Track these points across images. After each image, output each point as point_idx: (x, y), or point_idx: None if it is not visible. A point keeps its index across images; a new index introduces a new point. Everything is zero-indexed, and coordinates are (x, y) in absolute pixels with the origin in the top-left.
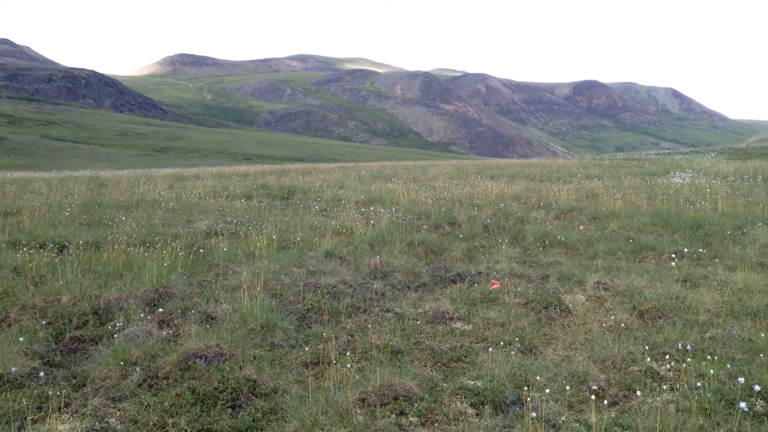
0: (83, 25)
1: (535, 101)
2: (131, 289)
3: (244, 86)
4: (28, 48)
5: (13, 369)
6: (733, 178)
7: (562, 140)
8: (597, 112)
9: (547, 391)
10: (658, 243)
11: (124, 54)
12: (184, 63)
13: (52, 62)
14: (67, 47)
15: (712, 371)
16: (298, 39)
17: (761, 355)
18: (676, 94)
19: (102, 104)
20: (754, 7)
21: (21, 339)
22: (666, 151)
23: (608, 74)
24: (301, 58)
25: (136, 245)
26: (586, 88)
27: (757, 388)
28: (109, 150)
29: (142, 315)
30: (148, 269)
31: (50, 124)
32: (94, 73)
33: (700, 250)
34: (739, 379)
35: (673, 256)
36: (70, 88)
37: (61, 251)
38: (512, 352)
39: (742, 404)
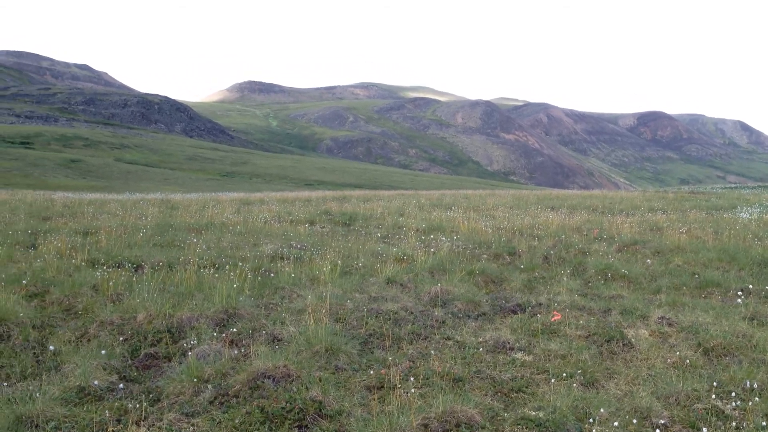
0: (158, 52)
1: (597, 131)
2: (202, 309)
3: (308, 113)
4: (106, 74)
5: (95, 382)
6: None
7: (624, 171)
8: (661, 143)
9: (611, 425)
10: (724, 279)
11: (196, 81)
12: (252, 90)
13: (128, 88)
14: (142, 74)
15: None
16: (362, 67)
17: None
18: (744, 127)
19: (173, 129)
20: None
21: (102, 351)
22: (732, 185)
23: (674, 105)
24: (364, 86)
25: (206, 267)
26: (651, 119)
27: None
28: (178, 174)
29: (212, 334)
30: (218, 290)
31: (124, 147)
32: (167, 99)
33: (765, 287)
34: None
35: (740, 293)
36: (144, 113)
37: (136, 270)
38: (574, 385)
39: None
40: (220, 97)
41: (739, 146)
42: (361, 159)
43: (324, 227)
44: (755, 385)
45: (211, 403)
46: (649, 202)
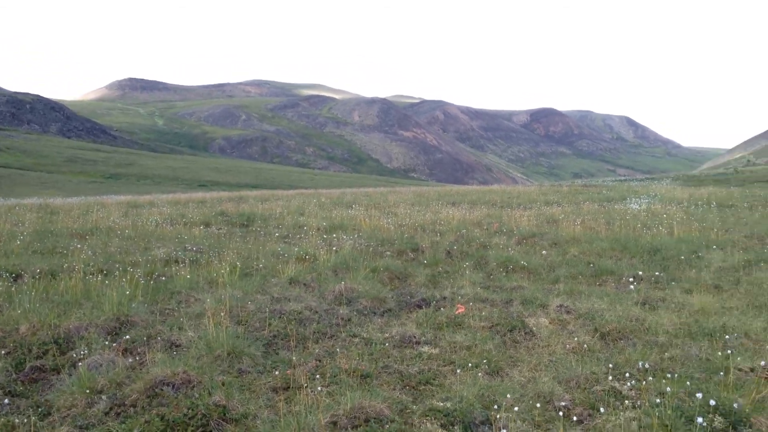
0: (28, 49)
1: (493, 128)
2: (91, 317)
3: (197, 111)
4: None
5: None
6: (687, 204)
7: (521, 167)
8: (554, 139)
9: (515, 410)
10: (617, 267)
11: (71, 79)
12: (134, 88)
13: None
14: (11, 72)
15: (670, 389)
16: (254, 64)
17: (719, 373)
18: (630, 122)
19: (48, 129)
20: (704, 39)
21: None
22: (622, 178)
23: (565, 102)
24: (257, 84)
25: (93, 273)
26: (544, 116)
27: (712, 402)
28: (57, 177)
29: (104, 344)
30: (107, 298)
31: None
32: (39, 98)
33: (658, 273)
34: (698, 395)
35: (632, 279)
36: (14, 113)
37: (15, 280)
38: (479, 374)
39: (700, 419)
40: (98, 95)
41: (627, 141)
42: (256, 158)
43: (221, 229)
44: (648, 366)
45: (106, 414)
46: (545, 195)
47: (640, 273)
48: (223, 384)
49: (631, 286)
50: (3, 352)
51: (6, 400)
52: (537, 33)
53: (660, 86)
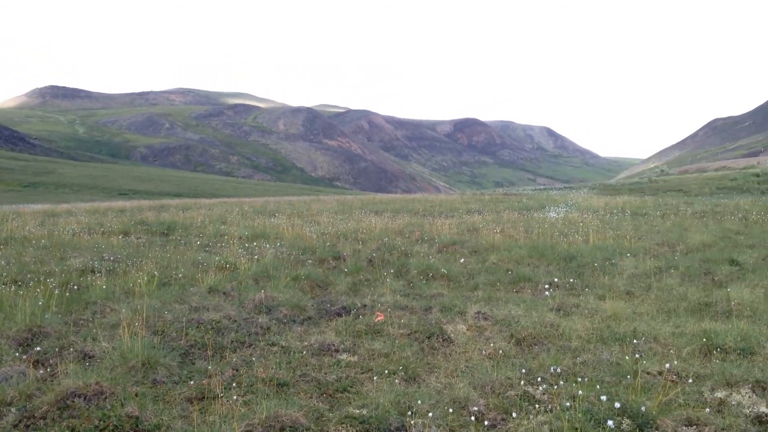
0: None
1: (417, 138)
2: (2, 329)
3: (119, 120)
4: None
5: None
6: (603, 212)
7: (444, 176)
8: (477, 148)
9: (430, 416)
10: (535, 274)
11: None
12: (55, 95)
13: None
14: None
15: (581, 392)
16: (178, 73)
17: (628, 376)
18: (550, 133)
19: None
20: (622, 52)
21: None
22: (542, 187)
23: (487, 113)
24: (181, 92)
25: (6, 284)
26: (466, 126)
27: (617, 405)
28: None
29: (15, 355)
30: (20, 308)
31: None
32: None
33: (573, 280)
34: (603, 398)
35: (547, 286)
36: None
37: None
38: (396, 381)
39: (610, 422)
40: (17, 103)
41: (547, 150)
42: (179, 167)
43: (140, 238)
44: (560, 371)
45: (15, 426)
46: (467, 204)
47: (556, 280)
48: (136, 395)
49: (547, 293)
50: None
51: None
52: (461, 44)
53: (579, 97)
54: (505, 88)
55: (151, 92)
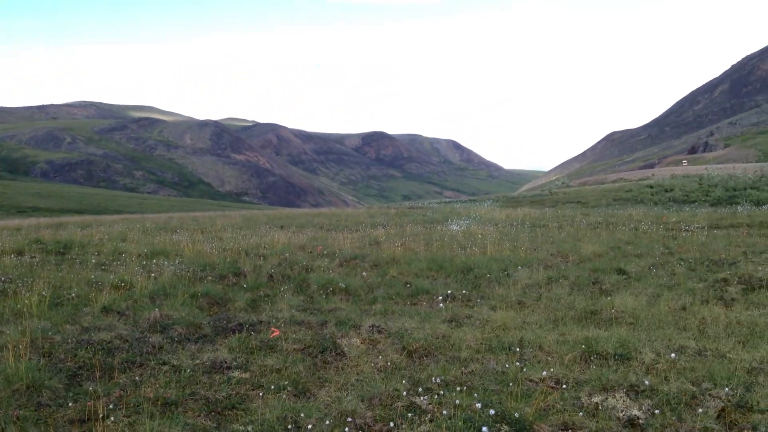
0: None
1: (326, 151)
2: None
3: (18, 134)
4: None
5: None
6: (503, 224)
7: (352, 189)
8: (385, 162)
9: (315, 430)
10: (433, 286)
11: None
12: None
13: None
14: None
15: (458, 401)
16: (79, 86)
17: (510, 384)
18: (456, 146)
19: None
20: (526, 66)
21: None
22: (447, 200)
23: (395, 126)
24: (83, 105)
25: None
26: (375, 139)
27: (492, 412)
28: None
29: None
30: None
31: None
32: None
33: (468, 292)
34: (477, 405)
35: (440, 298)
36: None
37: None
38: (284, 397)
39: (484, 429)
40: None
41: (453, 164)
42: (81, 183)
43: (34, 257)
44: (448, 380)
45: None
46: (373, 218)
47: (450, 292)
48: (17, 419)
49: (441, 305)
50: None
51: None
52: (370, 57)
53: (485, 111)
54: (412, 101)
55: (52, 105)
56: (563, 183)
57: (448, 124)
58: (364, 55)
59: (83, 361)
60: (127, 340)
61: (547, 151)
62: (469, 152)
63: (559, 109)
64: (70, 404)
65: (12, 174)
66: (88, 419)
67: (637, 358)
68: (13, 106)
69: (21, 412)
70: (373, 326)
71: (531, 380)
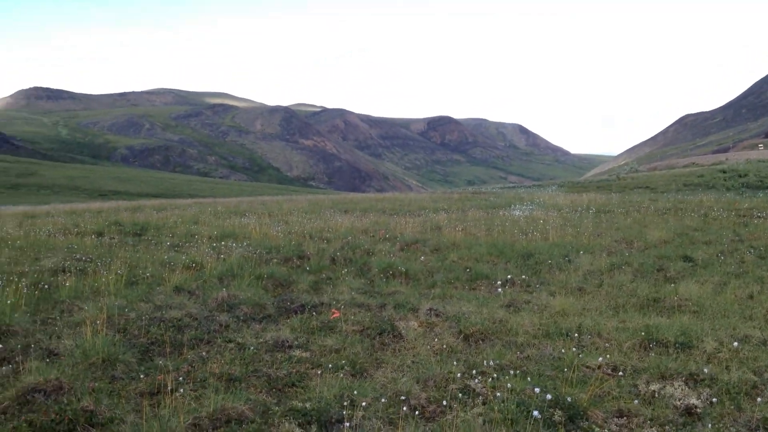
0: None
1: (391, 136)
2: None
3: (101, 121)
4: None
5: None
6: (567, 210)
7: (416, 174)
8: (450, 147)
9: (371, 409)
10: (492, 272)
11: None
12: (39, 97)
13: None
14: None
15: (512, 385)
16: (158, 73)
17: (566, 370)
18: (522, 130)
19: None
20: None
21: None
22: (511, 185)
23: (461, 111)
24: (161, 93)
25: None
26: (440, 124)
27: (549, 397)
28: None
29: None
30: None
31: None
32: None
33: (525, 277)
34: (536, 390)
35: (499, 283)
36: None
37: None
38: (342, 376)
39: (535, 413)
40: (2, 104)
41: (519, 148)
42: (158, 168)
43: (113, 238)
44: (503, 365)
45: None
46: (436, 203)
47: (510, 277)
48: (93, 390)
49: (500, 290)
50: None
51: None
52: (437, 42)
53: (553, 95)
54: (479, 86)
55: (132, 93)
56: (632, 168)
57: (515, 109)
58: (431, 39)
59: (155, 337)
60: (196, 319)
61: (616, 135)
62: (535, 137)
63: (630, 92)
64: (141, 377)
65: (94, 159)
66: (158, 392)
67: (698, 346)
68: (96, 93)
69: (96, 384)
70: (431, 309)
71: (587, 366)
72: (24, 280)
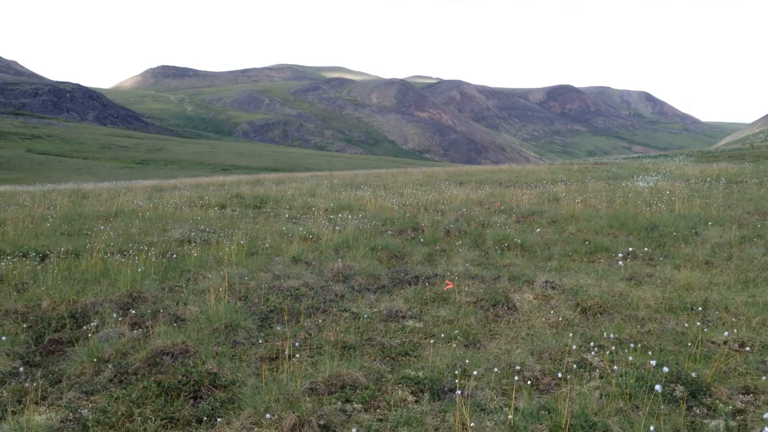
0: (69, 39)
1: (508, 107)
2: (107, 294)
3: (223, 97)
4: (15, 63)
5: None
6: (695, 180)
7: (535, 146)
8: (570, 117)
9: (484, 379)
10: (613, 244)
11: (108, 67)
12: (166, 75)
13: (39, 76)
14: (54, 61)
15: (631, 358)
16: (277, 49)
17: (689, 345)
18: (648, 98)
19: (86, 117)
20: (724, 12)
21: (4, 338)
22: (636, 155)
23: (582, 79)
24: (280, 68)
25: (113, 253)
26: (560, 93)
27: (666, 369)
28: (92, 163)
29: (116, 317)
30: (123, 275)
31: (35, 138)
32: (79, 87)
33: (648, 250)
34: (652, 363)
35: (620, 255)
36: (56, 101)
37: (42, 260)
38: (454, 346)
39: (657, 387)
40: (133, 83)
41: (644, 117)
42: (277, 142)
43: (235, 210)
44: (622, 338)
45: (110, 381)
46: (554, 174)
47: (632, 250)
48: (216, 354)
49: (620, 263)
50: (25, 325)
51: (21, 368)
52: (555, 8)
53: (681, 59)
54: (601, 52)
55: (252, 69)
56: None
57: (640, 75)
58: (549, 5)
59: (273, 306)
60: (313, 288)
61: (750, 101)
62: (662, 104)
63: (766, 55)
64: (261, 343)
65: (217, 134)
66: (276, 357)
67: None
68: (221, 70)
69: (219, 348)
70: (547, 282)
71: (712, 342)
72: (153, 249)
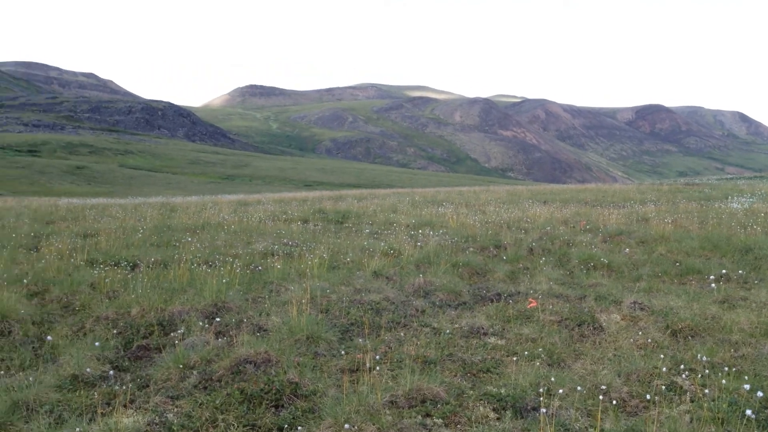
0: (164, 59)
1: (595, 126)
2: (193, 303)
3: (308, 115)
4: (111, 81)
5: (87, 370)
6: None
7: (622, 165)
8: (660, 136)
9: (569, 399)
10: (705, 266)
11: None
12: (253, 94)
13: (133, 95)
14: (147, 81)
15: (724, 382)
16: (361, 68)
17: None
18: (743, 118)
19: (176, 134)
20: None
21: (96, 344)
22: (729, 176)
23: (672, 98)
24: (363, 87)
25: (199, 264)
26: (649, 113)
27: (759, 394)
28: (180, 177)
29: (201, 326)
30: (208, 285)
31: (128, 153)
32: (170, 105)
33: (742, 272)
34: (745, 387)
35: (712, 278)
36: (148, 119)
37: (133, 269)
38: (538, 364)
39: (748, 411)
40: (222, 101)
41: (738, 137)
42: (360, 159)
43: (317, 225)
44: (714, 362)
45: (195, 387)
46: (643, 194)
47: (725, 272)
48: (298, 364)
49: (713, 285)
50: (115, 331)
51: (111, 372)
52: (643, 26)
53: None
54: (693, 71)
55: (337, 88)
56: None
57: (734, 95)
58: (638, 24)
59: (354, 319)
60: (393, 303)
61: None
62: (758, 125)
63: None
64: (342, 354)
65: (301, 151)
66: (356, 369)
67: None
68: (306, 89)
69: (301, 358)
70: (635, 303)
71: None
72: (237, 261)
